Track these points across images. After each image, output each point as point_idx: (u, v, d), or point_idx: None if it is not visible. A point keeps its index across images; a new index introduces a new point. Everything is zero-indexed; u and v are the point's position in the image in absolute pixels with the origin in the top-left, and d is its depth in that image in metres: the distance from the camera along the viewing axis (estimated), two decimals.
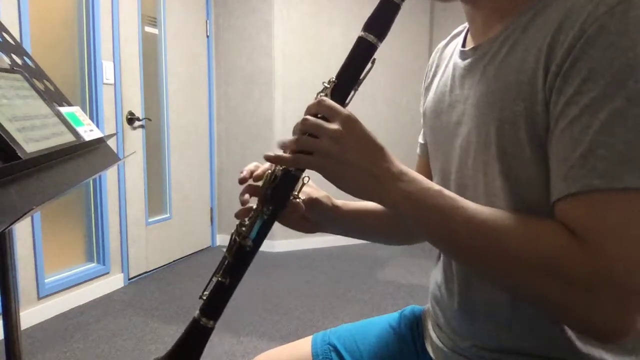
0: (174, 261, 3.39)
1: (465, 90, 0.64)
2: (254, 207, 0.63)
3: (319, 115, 0.56)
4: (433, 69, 0.79)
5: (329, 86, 0.59)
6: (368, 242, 4.06)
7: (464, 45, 0.70)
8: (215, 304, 0.61)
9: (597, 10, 0.47)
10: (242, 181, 0.66)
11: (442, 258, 0.72)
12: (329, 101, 0.56)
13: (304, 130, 0.56)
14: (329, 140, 0.54)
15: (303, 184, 0.66)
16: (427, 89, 0.79)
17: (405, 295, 2.80)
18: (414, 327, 0.83)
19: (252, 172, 0.66)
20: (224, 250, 0.64)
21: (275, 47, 3.56)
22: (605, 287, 0.45)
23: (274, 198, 0.61)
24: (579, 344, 0.56)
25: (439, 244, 0.58)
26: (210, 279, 0.62)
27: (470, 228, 0.51)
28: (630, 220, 0.45)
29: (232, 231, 0.62)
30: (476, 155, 0.60)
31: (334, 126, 0.54)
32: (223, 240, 3.87)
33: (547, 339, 0.58)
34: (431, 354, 0.75)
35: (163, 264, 3.29)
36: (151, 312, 2.53)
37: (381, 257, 3.54)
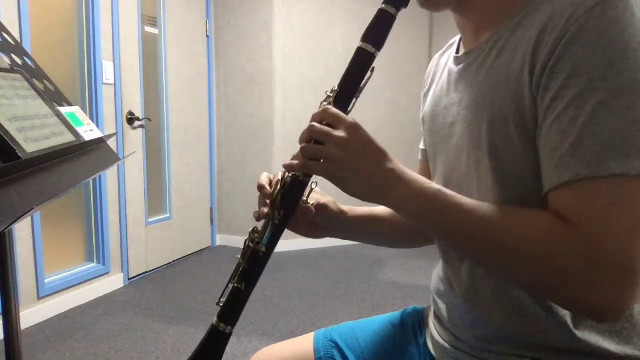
0: (174, 261, 3.39)
1: (459, 93, 0.67)
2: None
3: (324, 123, 0.59)
4: (431, 77, 0.83)
5: (331, 95, 0.62)
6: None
7: (457, 52, 0.74)
8: (232, 309, 0.64)
9: (577, 11, 0.50)
10: (261, 188, 0.69)
11: (447, 253, 0.74)
12: (334, 109, 0.59)
13: (310, 137, 0.59)
14: (335, 146, 0.57)
15: (312, 190, 0.69)
16: (426, 95, 0.83)
17: (405, 295, 2.80)
18: (415, 325, 0.84)
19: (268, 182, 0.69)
20: (232, 254, 0.65)
21: (275, 47, 3.56)
22: (597, 271, 0.48)
23: (284, 203, 0.64)
24: (575, 330, 0.58)
25: (440, 239, 0.62)
26: (227, 286, 0.65)
27: (469, 223, 0.55)
28: (617, 205, 0.48)
29: (246, 237, 0.65)
30: (469, 154, 0.64)
31: (340, 133, 0.57)
32: (223, 240, 3.87)
33: (546, 324, 0.59)
34: (432, 351, 0.77)
35: (163, 264, 3.29)
36: (151, 312, 2.53)
37: (381, 257, 3.54)
